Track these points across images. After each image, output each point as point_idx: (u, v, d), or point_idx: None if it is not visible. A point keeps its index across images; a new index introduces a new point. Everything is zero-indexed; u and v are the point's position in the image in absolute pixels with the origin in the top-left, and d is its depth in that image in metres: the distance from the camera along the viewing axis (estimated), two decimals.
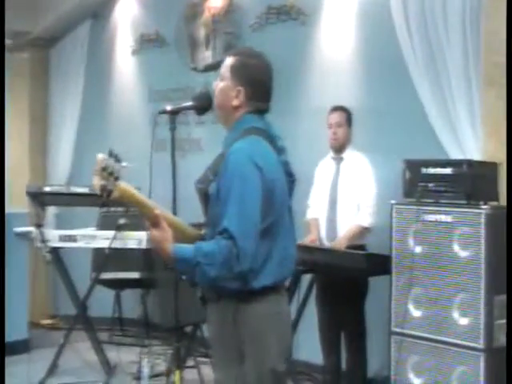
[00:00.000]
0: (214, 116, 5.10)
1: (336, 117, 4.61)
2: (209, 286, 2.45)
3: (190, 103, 2.79)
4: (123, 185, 2.27)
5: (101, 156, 2.23)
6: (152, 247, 2.37)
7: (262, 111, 2.56)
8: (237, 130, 2.51)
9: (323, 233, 4.62)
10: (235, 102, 2.51)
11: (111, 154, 2.25)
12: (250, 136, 2.46)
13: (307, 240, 4.51)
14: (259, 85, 2.53)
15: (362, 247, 4.44)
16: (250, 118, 2.53)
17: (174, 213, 2.93)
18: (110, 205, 2.34)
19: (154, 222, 2.34)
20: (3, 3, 5.15)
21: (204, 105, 2.79)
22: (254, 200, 2.34)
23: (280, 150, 2.57)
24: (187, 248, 2.33)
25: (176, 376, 2.74)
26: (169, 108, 2.77)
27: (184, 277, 2.49)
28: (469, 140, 4.36)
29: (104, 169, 2.21)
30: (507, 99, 3.76)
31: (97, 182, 2.22)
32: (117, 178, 2.23)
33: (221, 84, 2.56)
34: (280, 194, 2.45)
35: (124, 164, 2.27)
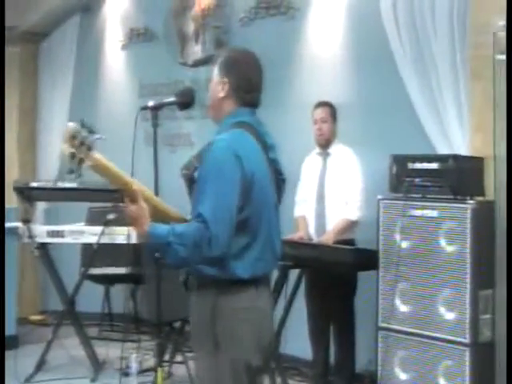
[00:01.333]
0: (202, 111, 5.12)
1: (320, 112, 4.60)
2: (192, 272, 2.48)
3: (172, 99, 2.78)
4: (97, 155, 2.27)
5: (71, 124, 2.24)
6: (128, 222, 2.38)
7: (251, 105, 2.59)
8: (226, 124, 2.54)
9: (312, 229, 4.62)
10: (221, 94, 2.55)
11: (83, 125, 2.25)
12: (235, 129, 2.49)
13: (295, 237, 4.50)
14: (244, 77, 2.56)
15: (351, 241, 4.45)
16: (240, 112, 2.56)
17: None
18: (79, 173, 2.32)
19: (132, 198, 2.36)
20: (3, 3, 5.12)
21: (186, 100, 2.79)
22: (231, 188, 2.36)
23: (269, 148, 2.59)
24: (162, 226, 2.36)
25: (158, 374, 2.72)
26: (151, 104, 2.75)
27: (157, 254, 2.51)
28: (456, 134, 4.36)
29: (73, 137, 2.20)
30: (507, 94, 3.74)
31: (65, 149, 2.22)
32: (89, 148, 2.23)
33: (211, 84, 2.61)
34: (260, 187, 2.45)
35: (97, 136, 2.26)
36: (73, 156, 2.21)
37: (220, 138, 2.45)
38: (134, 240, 5.03)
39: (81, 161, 2.22)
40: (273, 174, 2.58)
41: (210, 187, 2.36)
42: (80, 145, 2.21)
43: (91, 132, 2.24)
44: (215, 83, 2.57)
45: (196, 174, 2.45)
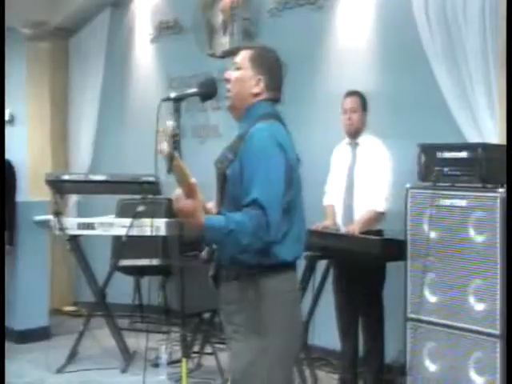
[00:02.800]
0: None
1: (350, 102, 4.56)
2: (229, 263, 2.52)
3: (194, 90, 2.75)
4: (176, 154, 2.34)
5: (171, 123, 2.31)
6: (182, 216, 2.37)
7: (277, 101, 2.70)
8: (252, 116, 2.61)
9: (340, 219, 4.59)
10: (255, 90, 2.64)
11: (178, 124, 2.34)
12: (268, 120, 2.57)
13: (320, 226, 4.48)
14: (276, 75, 2.70)
15: (379, 232, 4.41)
16: (264, 105, 2.64)
17: None
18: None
19: (190, 191, 2.35)
20: (3, 2, 5.16)
21: (208, 91, 2.75)
22: (279, 175, 2.45)
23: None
24: (218, 217, 2.41)
25: (183, 364, 2.71)
26: (172, 95, 2.73)
27: (214, 246, 2.54)
28: (487, 122, 4.29)
29: (173, 136, 2.27)
30: (507, 86, 3.68)
31: (165, 149, 2.27)
32: (176, 148, 2.29)
33: (238, 73, 2.66)
34: (296, 174, 2.58)
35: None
36: (170, 156, 2.27)
37: (260, 127, 2.51)
38: (162, 232, 5.10)
39: (172, 160, 2.27)
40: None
41: (260, 174, 2.42)
42: (174, 144, 2.27)
43: (178, 131, 2.32)
44: (248, 78, 2.63)
45: (233, 168, 2.49)
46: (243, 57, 2.67)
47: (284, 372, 2.57)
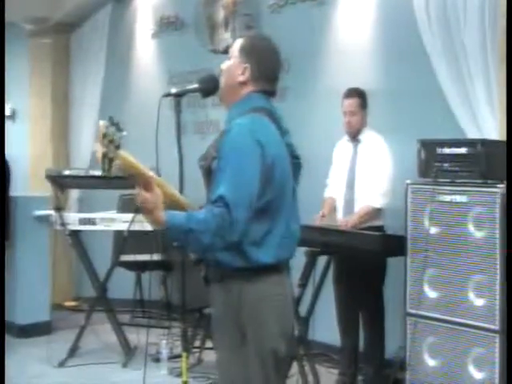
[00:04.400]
0: None
1: (349, 105, 4.53)
2: (214, 264, 2.45)
3: (195, 86, 2.75)
4: (123, 153, 2.23)
5: (102, 123, 2.21)
6: (142, 211, 2.27)
7: (267, 93, 2.58)
8: (240, 108, 2.52)
9: (340, 214, 4.60)
10: (241, 78, 2.53)
11: (112, 123, 2.23)
12: (253, 114, 2.47)
13: (318, 216, 4.49)
14: (265, 65, 2.56)
15: (379, 228, 4.42)
16: (255, 97, 2.54)
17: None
18: (112, 173, 2.29)
19: (147, 185, 2.26)
20: (3, 2, 5.17)
21: (209, 87, 2.74)
22: (251, 172, 2.33)
23: (284, 132, 2.58)
24: (179, 214, 2.30)
25: (183, 359, 2.72)
26: (173, 91, 2.73)
27: (175, 243, 2.45)
28: (487, 118, 4.30)
29: (104, 135, 2.19)
30: (507, 82, 3.68)
31: (98, 150, 2.20)
32: (117, 147, 2.20)
33: (228, 63, 2.60)
34: (281, 172, 2.44)
35: (124, 133, 2.24)
36: (104, 156, 2.19)
37: (239, 123, 2.42)
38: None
39: (111, 160, 2.19)
40: (290, 158, 2.57)
41: (231, 171, 2.32)
42: (109, 143, 2.19)
43: (119, 129, 2.22)
44: (234, 67, 2.55)
45: (214, 165, 2.41)
46: (234, 46, 2.59)
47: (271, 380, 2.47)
